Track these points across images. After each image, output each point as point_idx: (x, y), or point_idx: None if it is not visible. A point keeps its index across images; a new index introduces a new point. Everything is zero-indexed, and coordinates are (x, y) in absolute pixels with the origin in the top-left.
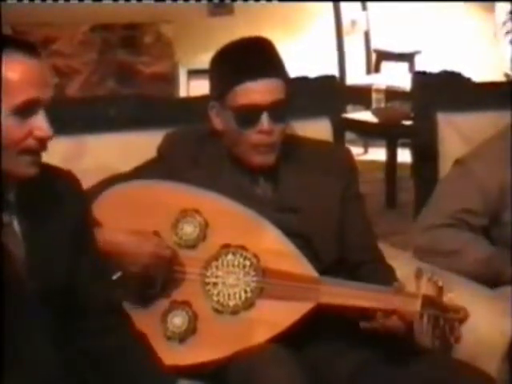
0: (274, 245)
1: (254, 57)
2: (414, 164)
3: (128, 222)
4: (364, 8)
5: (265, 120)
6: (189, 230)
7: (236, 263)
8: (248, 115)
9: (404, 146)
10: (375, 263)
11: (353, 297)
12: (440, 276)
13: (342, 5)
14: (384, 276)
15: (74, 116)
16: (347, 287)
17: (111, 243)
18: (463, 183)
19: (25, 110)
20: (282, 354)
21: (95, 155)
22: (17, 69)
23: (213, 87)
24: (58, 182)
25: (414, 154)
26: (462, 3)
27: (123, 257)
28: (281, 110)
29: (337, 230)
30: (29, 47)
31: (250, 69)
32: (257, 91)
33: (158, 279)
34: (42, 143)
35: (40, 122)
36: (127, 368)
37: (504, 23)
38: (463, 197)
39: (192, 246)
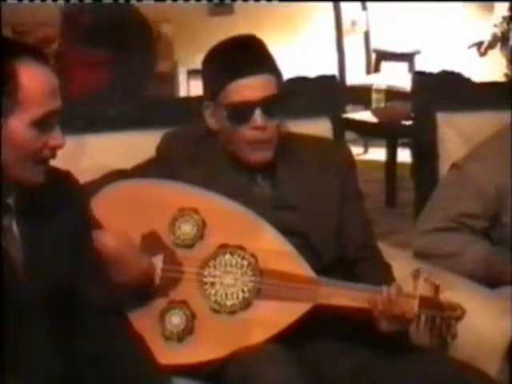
0: (271, 245)
1: (243, 54)
2: (414, 164)
3: (125, 221)
4: (364, 8)
5: (258, 116)
6: (186, 229)
7: (234, 263)
8: (241, 112)
9: (404, 145)
10: (373, 260)
11: (350, 298)
12: (440, 276)
13: (342, 5)
14: (382, 274)
15: (74, 115)
16: (345, 288)
17: (103, 248)
18: (461, 187)
19: (44, 122)
20: (280, 354)
21: (95, 155)
22: (35, 79)
23: (206, 87)
24: (56, 184)
25: (414, 154)
26: (461, 3)
27: (113, 263)
28: (274, 106)
29: (336, 227)
30: (41, 54)
31: (241, 66)
32: (248, 88)
33: (154, 280)
34: (55, 152)
35: (55, 132)
36: (125, 369)
37: (495, 25)
38: (462, 201)
39: (189, 245)
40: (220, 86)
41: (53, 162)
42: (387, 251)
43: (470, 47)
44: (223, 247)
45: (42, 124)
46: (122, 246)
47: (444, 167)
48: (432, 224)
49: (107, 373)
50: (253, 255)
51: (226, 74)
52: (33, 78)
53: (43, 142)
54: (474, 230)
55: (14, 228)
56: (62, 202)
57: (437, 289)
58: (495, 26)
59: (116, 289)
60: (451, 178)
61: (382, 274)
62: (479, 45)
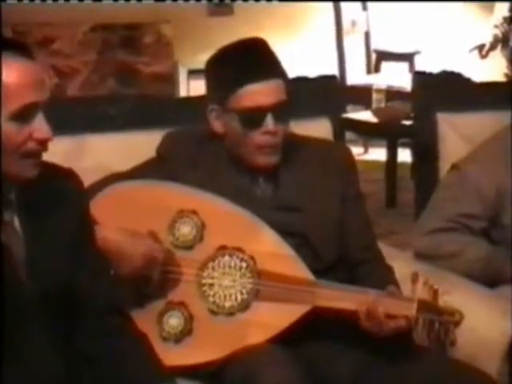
0: (270, 247)
1: (253, 59)
2: (414, 164)
3: (125, 222)
4: (364, 8)
5: (270, 121)
6: (185, 230)
7: (232, 265)
8: (253, 117)
9: (404, 145)
10: (374, 263)
11: (348, 300)
12: (440, 277)
13: (342, 5)
14: (383, 276)
15: (74, 115)
16: (343, 290)
17: (104, 241)
18: (460, 188)
19: (23, 115)
20: (280, 355)
21: (95, 155)
22: (13, 73)
23: (212, 91)
24: (58, 181)
25: (414, 154)
26: (461, 3)
27: (115, 256)
28: (284, 111)
29: (336, 229)
30: (23, 49)
31: (252, 71)
32: (260, 93)
33: (152, 279)
34: (43, 144)
35: (39, 124)
36: (127, 369)
37: (496, 26)
38: (461, 201)
39: (189, 246)
40: (229, 90)
41: (48, 157)
42: (387, 251)
43: (471, 51)
44: (222, 249)
45: (21, 116)
46: (118, 234)
47: (444, 167)
48: (432, 225)
49: (109, 373)
50: (251, 257)
51: (236, 79)
52: (10, 72)
53: (26, 134)
54: (473, 230)
55: (16, 224)
56: (64, 200)
57: (435, 293)
58: (496, 26)
59: (119, 287)
60: (451, 178)
61: (383, 276)
62: (480, 48)
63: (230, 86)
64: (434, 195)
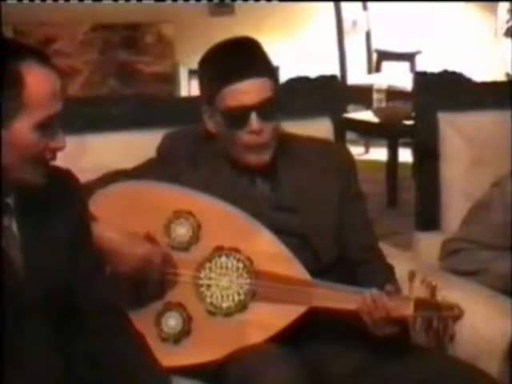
0: (267, 247)
1: (237, 58)
2: (415, 163)
3: (121, 222)
4: (365, 8)
5: (254, 120)
6: (181, 231)
7: (229, 265)
8: (237, 116)
9: (405, 145)
10: (375, 262)
11: (345, 300)
12: (439, 276)
13: (343, 5)
14: (383, 275)
15: (75, 115)
16: (340, 291)
17: (99, 239)
18: (499, 200)
19: (47, 125)
20: (280, 354)
21: (96, 154)
22: (40, 82)
23: (202, 91)
24: (56, 183)
25: (415, 154)
26: (461, 3)
27: (112, 254)
28: (270, 109)
29: (336, 228)
30: (44, 57)
31: (235, 70)
32: (243, 92)
33: (151, 281)
34: (55, 153)
35: (57, 134)
36: (125, 369)
37: (507, 21)
38: (498, 211)
39: (185, 247)
40: (215, 90)
41: (53, 162)
42: (388, 251)
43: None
44: (219, 250)
45: (45, 127)
46: (117, 234)
47: (445, 167)
48: (455, 245)
49: (107, 373)
50: (248, 257)
51: (221, 78)
52: (37, 81)
53: (45, 144)
54: (499, 246)
55: (14, 228)
56: (62, 202)
57: (433, 289)
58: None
59: (117, 286)
60: (491, 194)
61: (384, 276)
62: None
63: (215, 86)
64: (470, 209)
